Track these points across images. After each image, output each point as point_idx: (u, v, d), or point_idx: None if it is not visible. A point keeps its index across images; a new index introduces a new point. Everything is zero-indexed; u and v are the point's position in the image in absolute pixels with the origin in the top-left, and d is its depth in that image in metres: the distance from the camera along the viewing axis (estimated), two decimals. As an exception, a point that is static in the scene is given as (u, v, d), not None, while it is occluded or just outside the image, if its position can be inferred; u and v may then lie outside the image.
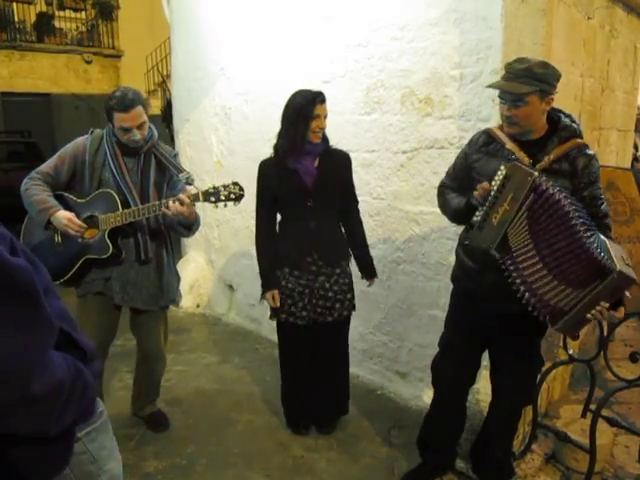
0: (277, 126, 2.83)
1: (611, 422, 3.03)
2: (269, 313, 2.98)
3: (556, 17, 2.62)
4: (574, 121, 2.18)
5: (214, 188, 2.52)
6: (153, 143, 2.74)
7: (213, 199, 2.50)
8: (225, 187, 2.51)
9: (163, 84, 11.19)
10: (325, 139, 2.83)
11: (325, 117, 2.74)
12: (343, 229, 2.98)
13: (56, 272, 2.59)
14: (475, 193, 2.15)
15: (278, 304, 2.85)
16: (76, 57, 10.64)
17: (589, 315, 1.96)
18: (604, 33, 3.23)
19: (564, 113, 2.20)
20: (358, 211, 2.99)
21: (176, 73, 5.09)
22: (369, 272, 3.02)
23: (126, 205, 2.63)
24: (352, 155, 2.95)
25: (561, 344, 3.02)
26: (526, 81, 2.04)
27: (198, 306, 5.03)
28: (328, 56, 3.62)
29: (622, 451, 3.08)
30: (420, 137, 3.24)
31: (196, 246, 5.10)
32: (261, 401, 3.42)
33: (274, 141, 2.85)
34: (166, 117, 9.72)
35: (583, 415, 3.13)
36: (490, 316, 2.34)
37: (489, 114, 2.90)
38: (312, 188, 2.77)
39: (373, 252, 3.49)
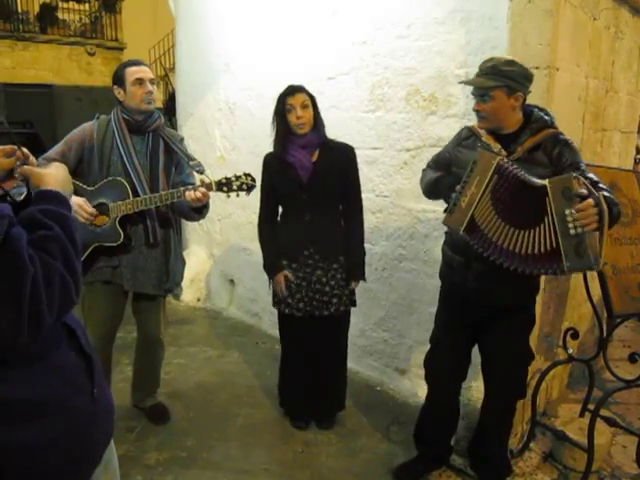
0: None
1: (609, 422, 3.05)
2: (272, 301, 3.00)
3: (562, 18, 2.62)
4: (547, 114, 2.25)
5: (226, 179, 2.58)
6: (160, 123, 2.78)
7: (225, 189, 2.57)
8: (237, 177, 2.59)
9: (166, 77, 11.16)
10: (318, 130, 2.81)
11: (304, 107, 2.72)
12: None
13: None
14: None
15: (288, 282, 2.86)
16: (79, 49, 10.62)
17: (573, 231, 1.91)
18: (609, 34, 3.23)
19: (538, 108, 2.28)
20: (359, 211, 2.95)
21: (180, 67, 5.09)
22: (355, 274, 2.92)
23: (135, 192, 2.64)
24: (356, 152, 2.95)
25: (560, 343, 3.04)
26: (492, 77, 2.15)
27: (199, 300, 5.04)
28: (333, 53, 3.62)
29: (620, 451, 3.10)
30: (424, 135, 3.25)
31: (198, 240, 5.11)
32: (261, 395, 3.44)
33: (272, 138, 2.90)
34: (168, 110, 9.70)
35: (581, 414, 3.15)
36: (477, 310, 2.39)
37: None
38: (307, 182, 2.79)
39: (375, 249, 3.53)
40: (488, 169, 2.10)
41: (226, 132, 4.59)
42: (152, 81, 2.69)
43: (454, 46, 3.05)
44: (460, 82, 2.40)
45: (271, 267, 2.91)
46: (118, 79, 2.67)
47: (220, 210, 4.74)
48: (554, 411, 3.32)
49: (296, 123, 2.73)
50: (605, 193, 2.00)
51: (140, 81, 2.64)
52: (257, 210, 3.01)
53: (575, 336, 2.95)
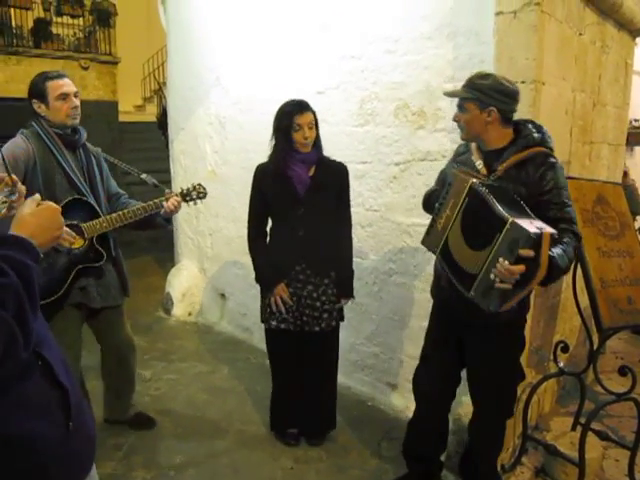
0: (270, 135, 2.85)
1: (601, 436, 3.04)
2: (261, 316, 2.97)
3: (547, 33, 2.64)
4: (541, 131, 2.21)
5: (187, 190, 2.90)
6: (85, 139, 2.73)
7: (188, 198, 2.88)
8: (194, 188, 2.92)
9: (159, 91, 11.18)
10: (318, 148, 2.83)
11: (311, 127, 2.72)
12: None
13: (48, 290, 2.48)
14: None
15: (287, 295, 2.83)
16: (73, 63, 10.59)
17: (492, 276, 1.92)
18: (595, 49, 3.26)
19: (533, 124, 2.24)
20: (348, 226, 2.95)
21: (172, 81, 5.10)
22: (344, 291, 2.94)
23: (95, 211, 2.63)
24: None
25: (552, 357, 3.03)
26: (466, 89, 2.17)
27: (190, 314, 5.02)
28: (322, 67, 3.64)
29: (612, 465, 3.08)
30: (413, 149, 3.25)
31: (189, 254, 5.10)
32: (252, 412, 3.41)
33: (268, 151, 2.88)
34: (162, 124, 9.72)
35: (573, 428, 3.14)
36: (465, 328, 2.36)
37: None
38: (304, 196, 2.78)
39: (365, 263, 3.52)
40: (461, 192, 2.08)
41: (217, 146, 4.59)
42: (76, 94, 2.61)
43: (442, 61, 3.06)
44: (444, 93, 2.41)
45: (268, 280, 2.87)
46: (39, 93, 2.54)
47: (211, 224, 4.74)
48: (546, 425, 3.30)
49: (302, 142, 2.72)
50: (557, 253, 1.96)
51: (65, 96, 2.54)
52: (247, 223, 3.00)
53: (565, 349, 2.95)
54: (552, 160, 2.15)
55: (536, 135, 2.17)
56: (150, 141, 10.82)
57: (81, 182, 2.64)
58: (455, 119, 2.26)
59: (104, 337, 2.96)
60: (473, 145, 2.31)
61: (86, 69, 10.74)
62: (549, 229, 1.92)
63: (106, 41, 11.22)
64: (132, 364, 3.12)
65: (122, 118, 11.17)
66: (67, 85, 2.57)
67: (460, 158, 2.36)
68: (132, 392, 3.18)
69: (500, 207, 1.94)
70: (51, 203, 1.32)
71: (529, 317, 2.96)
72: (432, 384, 2.53)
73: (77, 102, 2.60)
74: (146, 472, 2.79)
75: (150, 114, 11.92)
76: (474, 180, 2.05)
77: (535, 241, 1.86)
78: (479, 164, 2.22)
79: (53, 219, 1.29)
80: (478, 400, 2.48)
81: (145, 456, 2.92)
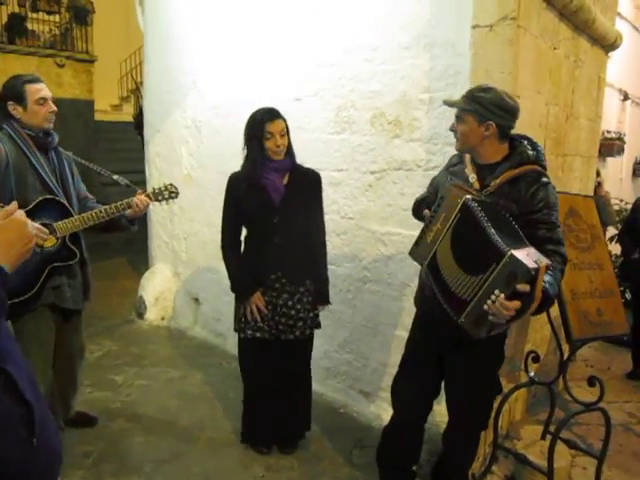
0: (245, 141, 2.84)
1: (569, 444, 3.08)
2: (234, 325, 2.95)
3: (523, 47, 2.68)
4: (535, 148, 2.20)
5: (159, 189, 2.92)
6: (57, 142, 2.77)
7: (160, 198, 2.90)
8: (166, 187, 2.93)
9: (137, 91, 11.07)
10: (291, 155, 2.82)
11: (282, 134, 2.71)
12: None
13: (20, 289, 2.50)
14: (425, 212, 2.26)
15: (263, 304, 2.81)
16: (48, 60, 10.41)
17: (486, 307, 1.91)
18: (569, 63, 3.31)
19: (530, 140, 2.23)
20: (322, 233, 2.95)
21: (148, 83, 5.05)
22: (321, 297, 2.95)
23: (68, 211, 2.66)
24: (321, 174, 2.95)
25: (522, 367, 3.06)
26: (466, 101, 2.15)
27: (163, 319, 4.97)
28: (300, 74, 3.64)
29: (580, 473, 3.13)
30: (389, 158, 3.27)
31: (163, 258, 5.05)
32: (223, 419, 3.38)
33: (242, 156, 2.86)
34: (138, 124, 9.62)
35: (543, 437, 3.18)
36: (444, 341, 2.35)
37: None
38: (279, 205, 2.78)
39: (339, 270, 3.53)
40: (454, 207, 2.04)
41: (193, 150, 4.56)
42: (52, 99, 2.66)
43: (419, 71, 3.09)
44: (444, 101, 2.33)
45: (244, 289, 2.86)
46: (16, 95, 2.57)
47: (186, 228, 4.70)
48: (516, 433, 3.33)
49: (275, 150, 2.70)
50: (549, 283, 1.96)
51: (43, 100, 2.60)
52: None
53: (536, 359, 2.99)
54: (545, 180, 2.14)
55: (531, 152, 2.17)
56: (126, 141, 10.70)
57: (53, 183, 2.67)
58: (452, 129, 2.25)
59: (64, 341, 2.90)
60: (467, 157, 2.29)
61: (62, 67, 10.58)
62: (544, 260, 1.92)
63: (83, 39, 11.07)
64: (80, 368, 3.11)
65: (98, 117, 11.03)
66: (45, 90, 2.63)
67: (453, 169, 2.34)
68: (75, 394, 3.16)
69: (494, 232, 1.92)
70: (18, 214, 1.25)
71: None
72: (411, 394, 2.52)
73: (54, 107, 2.66)
74: (115, 481, 2.76)
75: (127, 114, 11.80)
76: (467, 196, 2.02)
77: (533, 276, 1.85)
78: (472, 177, 2.20)
79: (21, 232, 1.22)
80: (455, 412, 2.48)
81: (115, 464, 2.88)
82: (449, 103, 2.26)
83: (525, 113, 2.83)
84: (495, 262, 1.88)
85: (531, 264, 1.84)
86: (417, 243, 2.22)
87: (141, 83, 9.73)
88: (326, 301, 2.97)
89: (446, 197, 2.10)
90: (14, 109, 2.59)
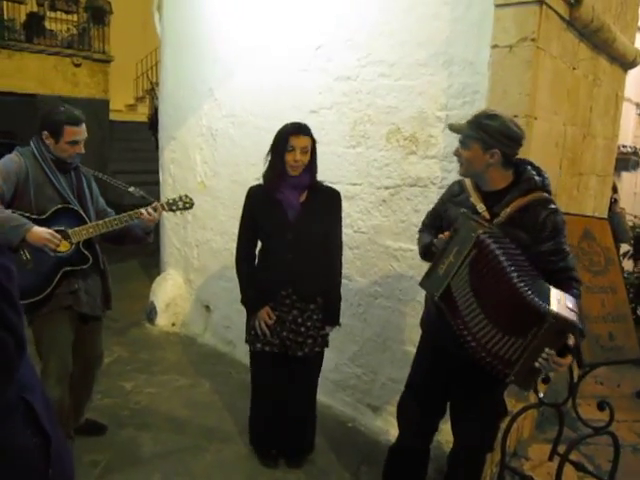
0: (263, 151, 2.84)
1: (577, 467, 3.07)
2: (245, 337, 2.97)
3: (542, 68, 2.67)
4: (541, 174, 2.20)
5: (173, 199, 2.97)
6: (78, 162, 2.86)
7: (174, 208, 2.95)
8: (180, 198, 2.98)
9: (152, 91, 11.13)
10: (312, 173, 2.81)
11: (305, 151, 2.71)
12: None
13: (34, 290, 2.63)
14: (435, 240, 2.26)
15: (274, 317, 2.82)
16: (65, 59, 10.52)
17: (537, 364, 1.93)
18: (587, 82, 3.29)
19: (533, 165, 2.23)
20: (338, 254, 2.94)
21: (164, 89, 5.07)
22: (330, 318, 2.93)
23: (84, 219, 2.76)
24: (335, 187, 2.96)
25: (532, 388, 3.05)
26: (472, 127, 2.14)
27: (173, 325, 4.98)
28: (316, 87, 3.64)
29: (587, 495, 3.11)
30: (403, 174, 3.27)
31: (175, 264, 5.07)
32: (232, 429, 3.39)
33: (259, 166, 2.88)
34: (153, 125, 9.67)
35: (550, 458, 3.16)
36: (453, 361, 2.34)
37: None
38: (293, 221, 2.78)
39: (351, 284, 3.53)
40: (468, 242, 2.02)
41: (207, 158, 4.57)
42: (84, 141, 2.75)
43: (436, 88, 3.08)
44: (449, 126, 2.35)
45: (254, 303, 2.87)
46: (54, 130, 2.67)
47: (199, 236, 4.72)
48: (524, 452, 3.32)
49: (292, 165, 2.70)
50: (571, 304, 1.98)
51: (76, 142, 2.70)
52: (235, 238, 3.00)
53: (546, 381, 2.97)
54: (553, 206, 2.14)
55: (537, 179, 2.16)
56: (140, 141, 10.78)
57: (71, 198, 2.76)
58: (456, 154, 2.25)
59: (82, 347, 2.96)
60: (468, 185, 2.28)
61: (78, 66, 10.67)
62: (571, 299, 1.98)
63: (100, 39, 11.17)
64: (96, 376, 3.16)
65: (113, 117, 11.12)
66: (81, 133, 2.72)
67: (457, 199, 2.31)
68: (89, 402, 3.20)
69: (521, 283, 1.92)
70: None
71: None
72: (417, 415, 2.52)
73: (83, 150, 2.76)
74: (123, 492, 2.77)
75: (142, 114, 11.87)
76: (479, 231, 2.00)
77: (577, 328, 1.89)
78: (481, 207, 2.18)
79: None
80: (460, 434, 2.48)
81: (123, 474, 2.89)
82: (454, 129, 2.26)
83: (542, 134, 2.84)
84: (537, 324, 1.89)
85: (573, 316, 1.88)
86: (428, 274, 2.21)
87: (156, 83, 9.80)
88: (336, 322, 2.95)
89: (460, 229, 2.08)
90: (47, 138, 2.70)
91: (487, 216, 2.17)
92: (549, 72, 2.77)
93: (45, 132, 2.69)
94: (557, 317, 1.85)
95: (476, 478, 2.59)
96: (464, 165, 2.22)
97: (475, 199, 2.22)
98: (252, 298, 2.88)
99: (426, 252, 2.41)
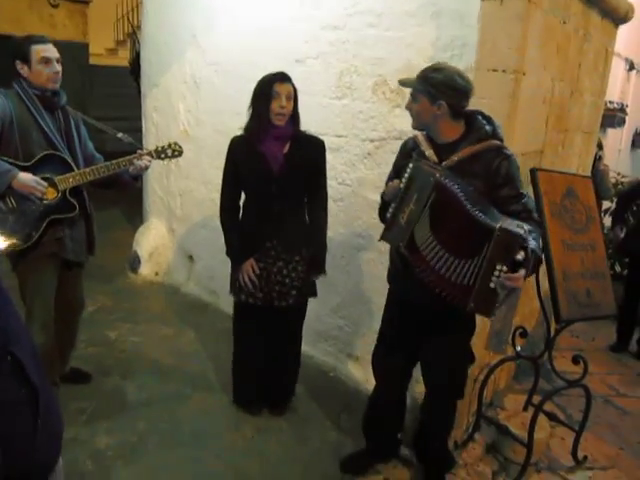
0: (247, 101, 2.79)
1: (550, 417, 3.19)
2: (230, 288, 2.98)
3: (532, 23, 2.61)
4: (491, 123, 2.24)
5: (161, 147, 2.94)
6: (65, 102, 2.81)
7: (163, 156, 2.93)
8: (169, 146, 2.95)
9: (133, 35, 10.76)
10: (295, 123, 2.79)
11: (289, 98, 2.69)
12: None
13: (21, 237, 2.62)
14: (384, 189, 2.36)
15: (257, 271, 2.84)
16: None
17: (492, 284, 1.98)
18: (578, 37, 3.24)
19: (483, 115, 2.27)
20: (324, 206, 2.94)
21: (146, 35, 4.92)
22: (316, 266, 2.94)
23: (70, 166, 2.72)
24: (320, 138, 2.92)
25: (509, 341, 3.12)
26: (419, 81, 2.21)
27: (157, 274, 4.99)
28: (302, 35, 3.55)
29: (558, 443, 3.24)
30: (389, 127, 3.24)
31: (158, 213, 5.04)
32: (215, 378, 3.45)
33: (243, 115, 2.83)
34: (134, 70, 9.42)
35: (525, 408, 3.27)
36: (417, 314, 2.40)
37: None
38: (277, 174, 2.76)
39: (335, 237, 3.54)
40: (427, 186, 2.08)
41: (191, 106, 4.49)
42: (58, 60, 2.67)
43: (424, 40, 3.02)
44: (399, 81, 2.42)
45: (238, 255, 2.88)
46: (22, 55, 2.62)
47: (182, 185, 4.68)
48: (500, 401, 3.43)
49: (278, 112, 2.66)
50: (534, 245, 2.01)
51: (46, 60, 2.62)
52: (219, 188, 2.97)
53: (524, 335, 3.05)
54: (506, 152, 2.20)
55: (488, 128, 2.21)
56: (122, 87, 10.47)
57: (58, 141, 2.72)
58: (407, 107, 2.31)
59: (64, 293, 2.97)
60: (420, 137, 2.34)
61: (55, 7, 10.23)
62: (525, 225, 2.00)
63: (78, -22, 10.69)
64: (78, 323, 3.18)
65: (93, 61, 10.75)
66: (49, 50, 2.66)
67: (413, 153, 2.34)
68: (72, 350, 3.23)
69: (475, 210, 1.98)
70: None
71: (491, 302, 3.04)
72: (390, 363, 2.60)
73: (59, 68, 2.67)
74: (109, 438, 2.82)
75: (123, 58, 11.49)
76: (437, 175, 2.06)
77: (525, 240, 1.93)
78: (429, 153, 2.25)
79: None
80: (430, 382, 2.55)
81: (108, 421, 2.94)
82: (404, 83, 2.34)
83: (530, 90, 2.81)
84: (487, 240, 1.95)
85: (520, 231, 1.93)
86: (389, 227, 2.25)
87: (138, 27, 9.48)
88: (322, 270, 2.97)
89: (415, 177, 2.14)
90: (21, 68, 2.64)
91: (436, 159, 2.22)
92: (539, 26, 2.72)
93: (17, 62, 2.63)
94: (502, 229, 1.93)
95: (448, 425, 2.67)
96: (415, 118, 2.29)
97: (425, 147, 2.28)
98: (236, 250, 2.88)
99: (380, 208, 2.48)
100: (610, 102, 6.20)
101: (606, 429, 3.49)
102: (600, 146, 4.65)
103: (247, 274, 2.83)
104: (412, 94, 2.26)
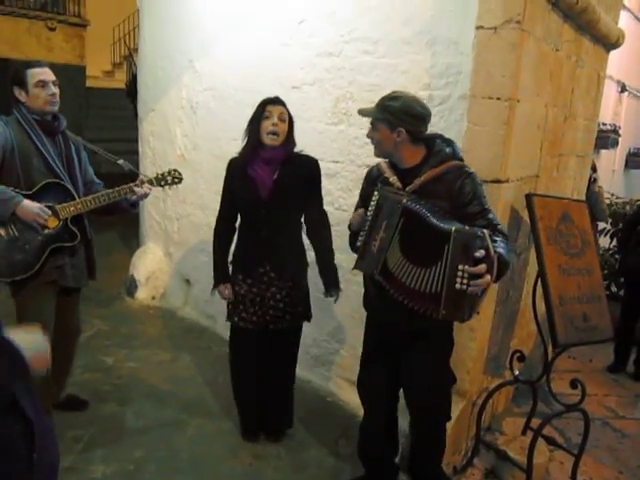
0: (244, 126, 2.82)
1: (549, 441, 3.17)
2: (226, 313, 2.99)
3: (526, 51, 2.66)
4: (451, 145, 2.30)
5: (161, 174, 2.96)
6: (65, 127, 2.83)
7: (163, 183, 2.95)
8: (169, 173, 2.98)
9: (129, 57, 10.87)
10: (288, 145, 2.80)
11: (282, 119, 2.71)
12: (308, 237, 2.96)
13: (22, 267, 2.63)
14: (350, 218, 2.44)
15: (231, 296, 2.88)
16: (39, 23, 10.16)
17: (457, 285, 2.00)
18: (570, 63, 3.29)
19: (443, 138, 2.33)
20: (325, 218, 2.95)
21: (143, 59, 4.97)
22: (332, 283, 2.90)
23: (71, 194, 2.73)
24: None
25: (507, 365, 3.12)
26: (378, 110, 2.28)
27: (154, 298, 4.98)
28: (298, 62, 3.59)
29: (557, 467, 3.23)
30: (385, 153, 3.26)
31: (155, 237, 5.04)
32: (212, 404, 3.43)
33: (240, 140, 2.86)
34: (130, 92, 9.49)
35: (524, 432, 3.26)
36: (395, 335, 2.42)
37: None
38: (266, 199, 2.76)
39: (332, 261, 3.53)
40: (394, 214, 2.14)
41: (188, 131, 4.52)
42: (54, 83, 2.68)
43: (419, 67, 3.06)
44: (358, 111, 2.46)
45: (217, 278, 2.94)
46: (19, 80, 2.64)
47: (179, 209, 4.69)
48: (499, 425, 3.42)
49: (270, 130, 2.68)
50: (500, 249, 2.05)
51: (43, 83, 2.63)
52: (215, 212, 3.00)
53: (521, 359, 3.05)
54: (467, 170, 2.25)
55: (447, 150, 2.27)
56: (118, 109, 10.57)
57: (59, 167, 2.73)
58: (368, 136, 2.36)
59: (61, 319, 2.94)
60: (384, 165, 2.39)
61: (53, 30, 10.36)
62: (486, 231, 2.05)
63: (75, 2, 10.82)
64: (75, 348, 3.17)
65: (90, 83, 10.86)
66: (46, 73, 2.68)
67: (378, 181, 2.38)
68: (68, 376, 3.20)
69: (435, 220, 2.05)
70: None
71: (488, 326, 3.05)
72: (375, 388, 2.60)
73: (55, 90, 2.68)
74: (105, 466, 2.79)
75: (119, 80, 11.61)
76: (403, 200, 2.12)
77: (482, 239, 1.97)
78: (393, 179, 2.29)
79: None
80: (414, 404, 2.53)
81: (105, 450, 2.91)
82: (363, 113, 2.40)
83: (524, 117, 2.84)
84: (446, 243, 2.00)
85: (476, 230, 2.00)
86: (362, 256, 2.28)
87: (134, 49, 9.56)
88: (336, 286, 2.92)
89: (383, 204, 2.19)
90: (19, 94, 2.67)
91: (400, 185, 2.26)
92: (533, 54, 2.77)
93: (15, 88, 2.65)
94: (458, 230, 2.00)
95: (439, 447, 2.63)
96: (376, 146, 2.35)
97: (389, 174, 2.33)
98: (217, 273, 2.94)
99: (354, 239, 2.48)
100: (603, 124, 6.28)
101: (605, 452, 3.48)
102: (594, 168, 4.69)
103: (222, 295, 2.90)
104: (372, 123, 2.32)
